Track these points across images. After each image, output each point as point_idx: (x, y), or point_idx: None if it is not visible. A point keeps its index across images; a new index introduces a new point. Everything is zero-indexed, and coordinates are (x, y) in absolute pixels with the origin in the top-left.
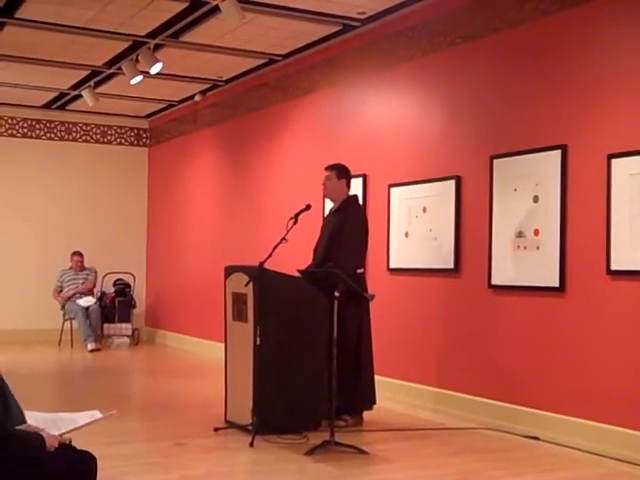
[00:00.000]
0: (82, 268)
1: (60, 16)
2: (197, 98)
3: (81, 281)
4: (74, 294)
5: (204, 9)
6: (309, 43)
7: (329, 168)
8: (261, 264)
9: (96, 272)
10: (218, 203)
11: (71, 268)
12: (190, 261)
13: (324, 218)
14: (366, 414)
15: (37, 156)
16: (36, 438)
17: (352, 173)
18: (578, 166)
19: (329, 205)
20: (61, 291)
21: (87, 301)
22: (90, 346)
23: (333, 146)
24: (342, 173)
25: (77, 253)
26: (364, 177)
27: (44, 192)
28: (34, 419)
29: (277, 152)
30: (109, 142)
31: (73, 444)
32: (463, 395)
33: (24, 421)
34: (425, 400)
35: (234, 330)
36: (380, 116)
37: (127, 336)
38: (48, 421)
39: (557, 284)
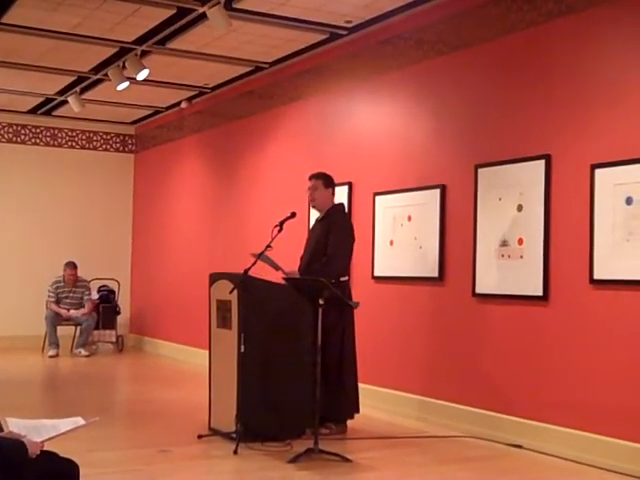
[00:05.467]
0: (75, 281)
1: (47, 22)
2: (183, 105)
3: (77, 301)
4: (72, 317)
5: (191, 16)
6: (296, 51)
7: (315, 177)
8: (245, 271)
9: (90, 288)
10: (203, 210)
11: (64, 281)
12: (175, 268)
13: (310, 227)
14: (350, 422)
15: (22, 161)
16: (18, 445)
17: (337, 181)
18: (562, 176)
19: (314, 213)
20: (56, 301)
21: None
22: (51, 352)
23: (319, 154)
24: (328, 182)
25: (70, 265)
26: (349, 185)
27: (29, 198)
28: (16, 426)
29: (263, 159)
30: (95, 148)
31: (56, 451)
32: (447, 403)
33: (1, 430)
34: (409, 408)
35: (218, 337)
36: (366, 124)
37: (111, 343)
38: (30, 428)
39: (541, 293)
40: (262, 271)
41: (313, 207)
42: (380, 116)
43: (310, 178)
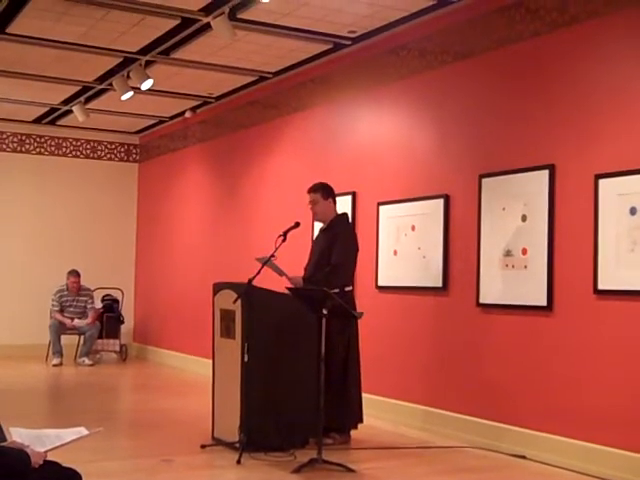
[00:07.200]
0: (78, 289)
1: (51, 32)
2: (187, 115)
3: (80, 309)
4: (76, 326)
5: (195, 26)
6: (300, 61)
7: (313, 191)
8: (249, 281)
9: (93, 296)
10: (207, 219)
11: (67, 289)
12: (179, 277)
13: (314, 238)
14: (354, 432)
15: (26, 171)
16: (21, 454)
17: (341, 191)
18: (566, 186)
19: (318, 223)
20: (60, 310)
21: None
22: (55, 361)
23: (323, 163)
24: (327, 193)
25: (73, 273)
26: (353, 195)
27: (33, 207)
28: (19, 435)
29: (267, 169)
30: (99, 157)
31: (58, 461)
32: (451, 413)
33: (4, 439)
34: (413, 418)
35: (222, 347)
36: (369, 134)
37: (115, 352)
38: (33, 437)
39: (545, 303)
40: (266, 280)
41: (315, 220)
42: (384, 126)
43: (308, 192)
